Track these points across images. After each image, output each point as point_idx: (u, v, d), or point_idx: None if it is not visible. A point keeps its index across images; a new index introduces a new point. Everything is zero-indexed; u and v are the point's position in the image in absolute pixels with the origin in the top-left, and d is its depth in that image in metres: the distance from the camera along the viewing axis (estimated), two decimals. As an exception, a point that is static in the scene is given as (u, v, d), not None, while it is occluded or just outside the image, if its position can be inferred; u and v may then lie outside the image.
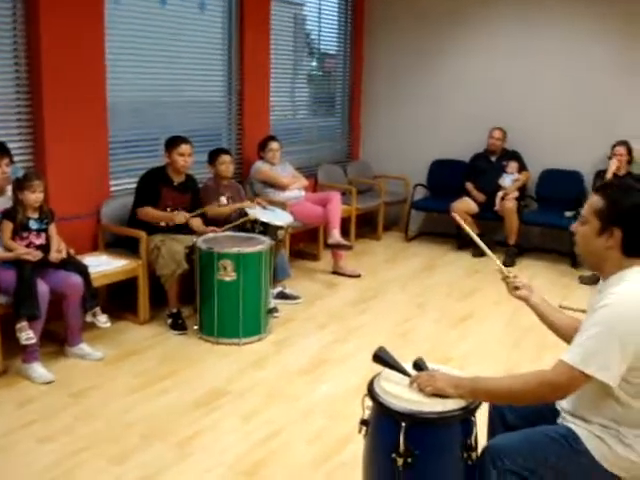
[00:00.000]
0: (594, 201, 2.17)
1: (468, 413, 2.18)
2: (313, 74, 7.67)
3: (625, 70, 6.57)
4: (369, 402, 2.27)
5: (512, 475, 2.13)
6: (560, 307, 4.08)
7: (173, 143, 4.83)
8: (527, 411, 2.42)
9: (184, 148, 4.82)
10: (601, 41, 6.63)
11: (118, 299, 4.90)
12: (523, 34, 6.96)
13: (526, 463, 2.13)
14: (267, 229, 4.90)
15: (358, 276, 6.04)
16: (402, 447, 2.12)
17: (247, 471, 3.04)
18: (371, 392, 2.25)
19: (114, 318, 4.65)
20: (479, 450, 2.23)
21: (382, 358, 2.34)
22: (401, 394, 2.19)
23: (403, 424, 2.12)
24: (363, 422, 2.33)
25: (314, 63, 7.65)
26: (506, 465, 2.13)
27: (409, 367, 2.34)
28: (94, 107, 4.79)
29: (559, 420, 2.29)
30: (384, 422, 2.20)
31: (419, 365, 2.34)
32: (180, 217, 4.73)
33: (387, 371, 2.34)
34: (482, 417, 2.50)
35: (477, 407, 2.22)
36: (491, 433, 2.52)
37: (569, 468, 2.16)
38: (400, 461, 2.12)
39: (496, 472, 2.14)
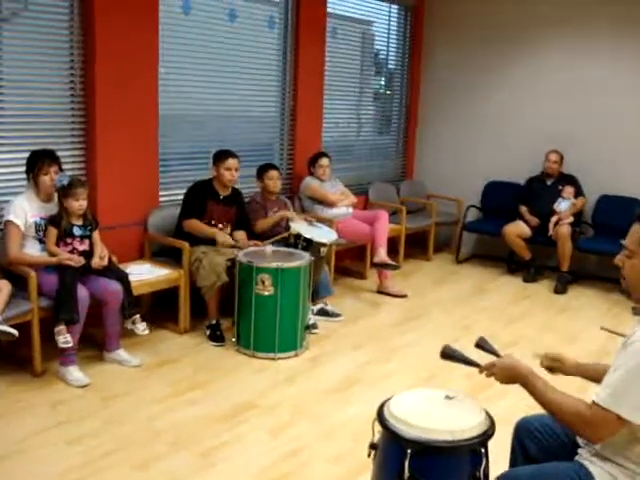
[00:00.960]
0: (638, 231, 2.07)
1: (477, 444, 2.13)
2: (369, 92, 7.66)
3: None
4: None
5: (521, 510, 2.08)
6: (601, 329, 3.95)
7: (220, 157, 4.90)
8: (550, 444, 2.36)
9: (231, 162, 4.88)
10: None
11: (161, 308, 4.99)
12: (581, 57, 6.80)
13: (535, 498, 2.07)
14: (310, 245, 4.89)
15: (404, 296, 5.98)
16: (407, 474, 2.08)
17: (268, 486, 3.05)
18: (380, 416, 2.22)
19: (156, 326, 4.75)
20: (490, 483, 2.18)
21: (449, 355, 2.40)
22: (410, 420, 2.15)
23: (409, 451, 2.09)
24: (372, 446, 2.30)
25: (370, 81, 7.64)
26: (515, 499, 2.08)
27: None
28: (146, 118, 4.91)
29: (576, 457, 2.22)
30: (391, 447, 2.18)
31: (481, 346, 2.39)
32: (223, 240, 4.77)
33: (399, 396, 2.32)
34: (501, 449, 2.46)
35: (488, 438, 2.17)
36: (512, 464, 2.47)
37: (580, 506, 2.09)
38: (404, 488, 2.09)
39: (504, 506, 2.09)
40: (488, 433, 2.16)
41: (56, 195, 4.04)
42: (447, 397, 2.31)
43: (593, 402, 1.98)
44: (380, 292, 6.05)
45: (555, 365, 2.48)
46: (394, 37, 7.64)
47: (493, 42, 7.29)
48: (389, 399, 2.30)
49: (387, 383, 4.19)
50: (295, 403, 3.87)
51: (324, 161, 6.06)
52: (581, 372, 2.45)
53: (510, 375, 2.21)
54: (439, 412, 2.23)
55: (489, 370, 2.29)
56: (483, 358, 2.37)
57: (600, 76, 6.73)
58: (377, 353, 4.69)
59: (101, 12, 4.47)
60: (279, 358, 4.46)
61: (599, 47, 6.72)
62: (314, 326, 4.93)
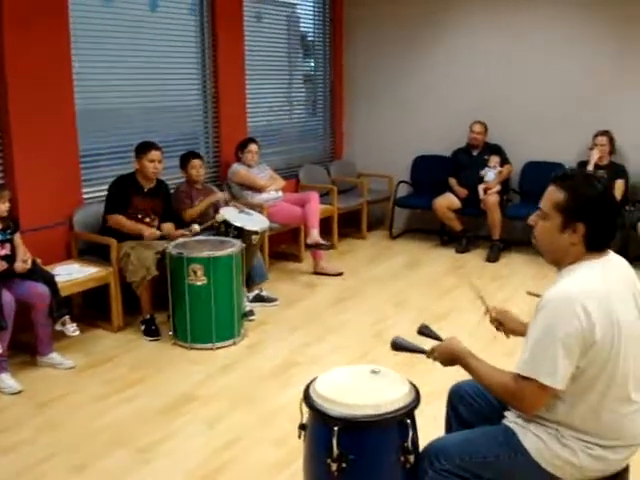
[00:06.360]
0: (553, 194, 2.09)
1: (402, 416, 2.16)
2: (298, 74, 7.62)
3: (609, 58, 6.51)
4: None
5: (450, 476, 2.12)
6: (528, 294, 4.04)
7: (143, 149, 4.82)
8: (481, 408, 2.42)
9: (154, 154, 4.81)
10: (582, 31, 6.60)
11: (94, 307, 4.90)
12: (503, 29, 6.92)
13: (463, 463, 2.12)
14: (242, 234, 4.87)
15: (340, 274, 6.02)
16: (335, 452, 2.11)
17: (207, 476, 3.04)
18: (306, 396, 2.24)
19: (89, 326, 4.68)
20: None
21: (398, 346, 2.41)
22: (334, 397, 2.17)
23: (335, 428, 2.11)
24: (301, 426, 2.32)
25: (298, 64, 7.61)
26: (443, 465, 2.12)
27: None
28: (62, 115, 4.79)
29: (503, 420, 2.27)
30: (318, 426, 2.20)
31: (423, 332, 2.43)
32: (149, 233, 4.71)
33: (325, 375, 2.34)
34: (438, 419, 2.51)
35: (413, 409, 2.21)
36: (447, 429, 2.53)
37: (508, 468, 2.14)
38: (334, 466, 2.11)
39: (433, 472, 2.13)
40: (412, 403, 2.20)
41: (-28, 200, 3.93)
42: (373, 372, 2.34)
43: (517, 374, 2.03)
44: (316, 273, 6.07)
45: (500, 318, 2.57)
46: (319, 19, 7.63)
47: (413, 20, 7.35)
48: (315, 379, 2.32)
49: (324, 363, 4.22)
50: (234, 392, 3.87)
51: (253, 147, 6.02)
52: (523, 331, 2.50)
53: (449, 358, 2.27)
54: (364, 387, 2.26)
55: (432, 355, 2.34)
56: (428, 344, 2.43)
57: (517, 45, 6.86)
58: (313, 334, 4.71)
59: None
60: (217, 348, 4.44)
61: (519, 20, 6.83)
62: (251, 313, 4.93)
